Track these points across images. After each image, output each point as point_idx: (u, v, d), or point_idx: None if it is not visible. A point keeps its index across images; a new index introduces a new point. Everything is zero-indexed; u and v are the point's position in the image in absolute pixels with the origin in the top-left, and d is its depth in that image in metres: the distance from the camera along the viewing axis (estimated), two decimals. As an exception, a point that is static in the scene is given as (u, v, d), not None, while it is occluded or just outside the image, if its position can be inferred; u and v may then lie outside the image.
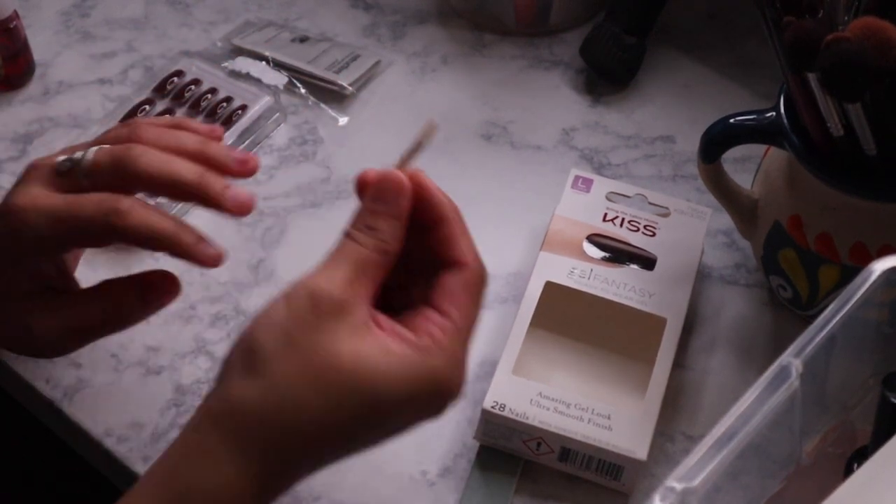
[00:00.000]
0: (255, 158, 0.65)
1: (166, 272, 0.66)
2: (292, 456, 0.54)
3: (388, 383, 0.53)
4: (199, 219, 0.68)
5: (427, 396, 0.54)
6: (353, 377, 0.53)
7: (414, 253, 0.58)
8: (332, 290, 0.54)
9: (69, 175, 0.63)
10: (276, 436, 0.53)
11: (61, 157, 0.63)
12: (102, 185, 0.62)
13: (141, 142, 0.63)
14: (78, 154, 0.63)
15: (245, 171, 0.65)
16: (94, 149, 0.63)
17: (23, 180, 0.64)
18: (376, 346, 0.54)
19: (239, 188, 0.62)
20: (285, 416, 0.53)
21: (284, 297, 0.55)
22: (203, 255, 0.61)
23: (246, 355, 0.54)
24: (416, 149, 0.59)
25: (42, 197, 0.62)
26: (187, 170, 0.62)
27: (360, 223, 0.57)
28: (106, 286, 0.66)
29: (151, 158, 0.62)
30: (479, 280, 0.58)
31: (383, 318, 0.55)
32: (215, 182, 0.62)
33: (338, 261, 0.55)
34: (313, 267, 0.55)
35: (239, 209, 0.62)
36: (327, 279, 0.54)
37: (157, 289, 0.65)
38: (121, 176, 0.62)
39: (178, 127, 0.66)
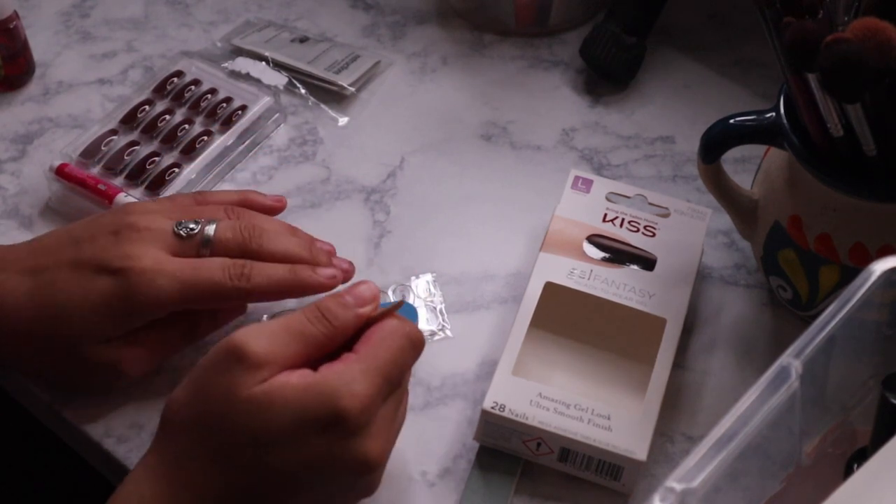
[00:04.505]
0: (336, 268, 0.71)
1: None
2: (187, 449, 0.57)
3: (283, 400, 0.56)
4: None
5: (316, 406, 0.56)
6: (249, 399, 0.56)
7: None
8: (248, 344, 0.56)
9: (187, 241, 0.67)
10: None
11: (176, 223, 0.67)
12: (224, 255, 0.67)
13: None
14: (196, 225, 0.67)
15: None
16: (214, 225, 0.68)
17: (136, 239, 0.66)
18: (277, 381, 0.56)
19: (335, 262, 0.72)
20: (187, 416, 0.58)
21: (220, 344, 0.58)
22: (325, 284, 0.68)
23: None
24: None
25: (167, 261, 0.66)
26: (298, 244, 0.70)
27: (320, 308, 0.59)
28: (182, 311, 0.69)
29: (271, 239, 0.69)
30: (398, 328, 0.60)
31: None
32: (319, 253, 0.71)
33: (275, 323, 0.58)
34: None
35: (339, 278, 0.70)
36: (255, 335, 0.57)
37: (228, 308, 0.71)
38: (246, 252, 0.67)
39: (245, 201, 0.73)
